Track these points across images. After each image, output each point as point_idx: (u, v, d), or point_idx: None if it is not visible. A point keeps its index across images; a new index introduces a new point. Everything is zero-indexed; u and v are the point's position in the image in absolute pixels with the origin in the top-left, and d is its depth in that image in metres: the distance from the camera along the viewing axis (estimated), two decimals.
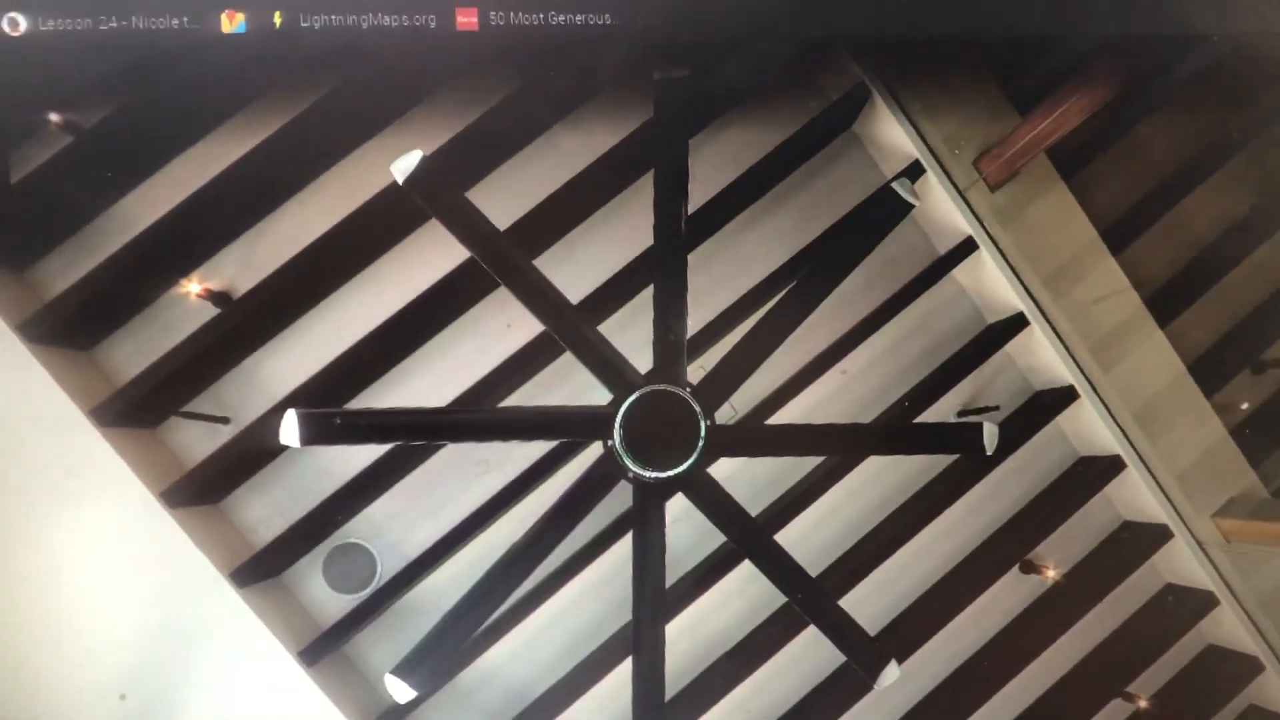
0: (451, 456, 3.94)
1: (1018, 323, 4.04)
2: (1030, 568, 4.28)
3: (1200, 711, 4.37)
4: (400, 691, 2.56)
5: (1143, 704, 4.32)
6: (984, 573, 4.18)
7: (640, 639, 2.65)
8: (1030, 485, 4.34)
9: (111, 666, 3.65)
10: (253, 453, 3.78)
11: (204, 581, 3.61)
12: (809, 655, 4.14)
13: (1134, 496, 4.25)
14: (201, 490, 3.74)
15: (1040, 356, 4.15)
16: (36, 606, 3.60)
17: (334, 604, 3.94)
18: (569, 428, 2.93)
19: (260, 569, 3.74)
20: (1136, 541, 4.31)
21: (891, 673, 2.86)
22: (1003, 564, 4.19)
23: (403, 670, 2.55)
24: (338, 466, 3.84)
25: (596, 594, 4.07)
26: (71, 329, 3.62)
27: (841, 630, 2.80)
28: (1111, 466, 4.16)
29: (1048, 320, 4.02)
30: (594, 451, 3.81)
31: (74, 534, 3.59)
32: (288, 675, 3.67)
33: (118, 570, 3.62)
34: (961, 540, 4.30)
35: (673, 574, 3.98)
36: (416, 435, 2.81)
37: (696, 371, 3.76)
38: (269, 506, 3.90)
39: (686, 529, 4.03)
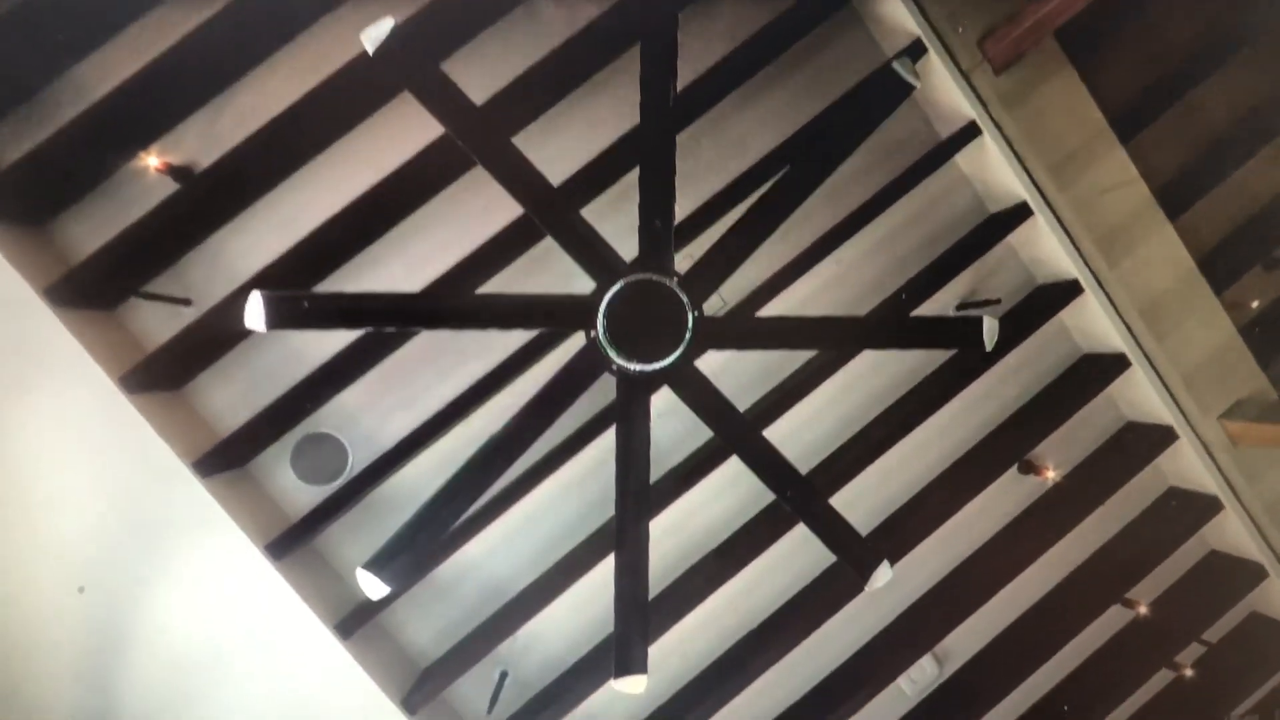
0: (427, 344, 3.77)
1: (1021, 212, 3.88)
2: (1029, 468, 4.15)
3: (1201, 618, 4.26)
4: (373, 587, 2.44)
5: (1142, 610, 4.21)
6: (981, 473, 4.03)
7: (623, 536, 2.55)
8: (1031, 383, 4.20)
9: (69, 559, 3.52)
10: (216, 336, 3.60)
11: (166, 471, 3.44)
12: (798, 555, 4.04)
13: (1138, 396, 4.11)
14: (162, 375, 3.58)
15: (1044, 248, 3.98)
16: None
17: (303, 496, 3.79)
18: (549, 316, 2.80)
19: (225, 458, 3.59)
20: (1140, 443, 4.17)
21: (884, 574, 2.78)
22: (1001, 464, 4.04)
23: (375, 565, 2.43)
24: (307, 352, 3.67)
25: (578, 490, 3.94)
26: (23, 203, 3.43)
27: (832, 529, 2.71)
28: (1116, 365, 4.01)
29: (1052, 210, 3.86)
30: (576, 342, 3.66)
31: (28, 421, 3.43)
32: (254, 569, 3.53)
33: (75, 459, 3.46)
34: (958, 439, 4.17)
35: (657, 470, 3.84)
36: (389, 321, 2.68)
37: (684, 260, 3.56)
38: (234, 393, 3.73)
39: (672, 424, 3.88)
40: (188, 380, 3.72)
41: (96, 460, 3.46)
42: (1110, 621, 4.29)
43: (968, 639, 4.23)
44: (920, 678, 4.21)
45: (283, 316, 2.22)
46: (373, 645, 3.74)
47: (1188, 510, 4.23)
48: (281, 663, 3.59)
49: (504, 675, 3.87)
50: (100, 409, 3.39)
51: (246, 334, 3.60)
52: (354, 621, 3.64)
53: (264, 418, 3.60)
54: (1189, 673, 4.27)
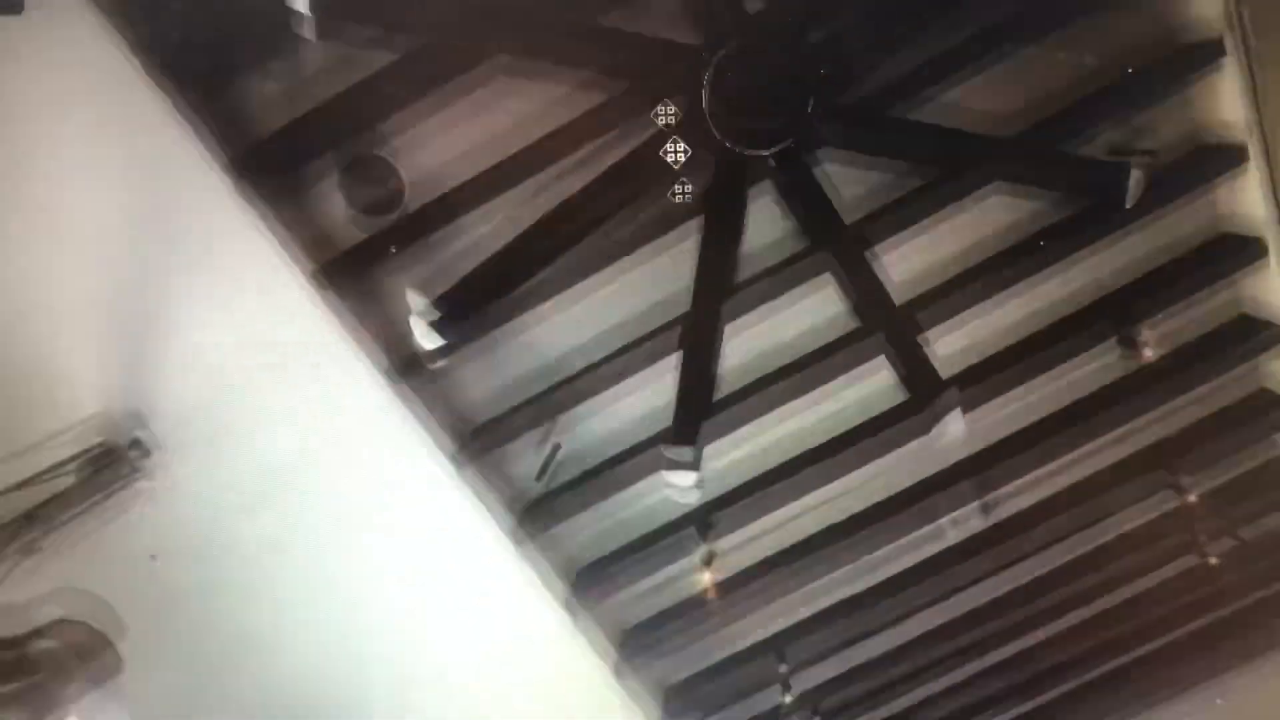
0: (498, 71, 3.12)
1: (1213, 51, 3.29)
2: (1128, 343, 3.79)
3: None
4: (426, 336, 2.20)
5: (1191, 498, 4.11)
6: (1080, 336, 3.76)
7: (697, 328, 2.60)
8: (1156, 251, 3.72)
9: (99, 276, 3.22)
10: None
11: (199, 181, 3.07)
12: (872, 388, 3.64)
13: (1266, 292, 3.75)
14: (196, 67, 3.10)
15: (1223, 97, 3.39)
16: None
17: (357, 230, 3.33)
18: (647, 65, 2.43)
19: (264, 161, 3.16)
20: (1249, 341, 3.85)
21: (955, 423, 2.96)
22: (1102, 332, 3.75)
23: (432, 313, 2.19)
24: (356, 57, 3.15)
25: (654, 277, 3.43)
26: None
27: (914, 370, 2.90)
28: (1252, 251, 3.62)
29: (1247, 53, 3.25)
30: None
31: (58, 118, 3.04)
32: (300, 299, 3.19)
33: (102, 160, 3.09)
34: (1067, 294, 3.76)
35: (745, 268, 3.46)
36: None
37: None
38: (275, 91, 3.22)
39: (766, 222, 3.41)
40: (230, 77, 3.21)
41: (124, 163, 3.10)
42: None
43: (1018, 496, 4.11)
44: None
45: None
46: (425, 396, 3.41)
47: (1272, 415, 4.03)
48: (327, 401, 3.29)
49: (556, 447, 3.67)
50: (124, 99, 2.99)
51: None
52: (407, 367, 3.26)
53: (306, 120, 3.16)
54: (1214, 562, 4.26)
